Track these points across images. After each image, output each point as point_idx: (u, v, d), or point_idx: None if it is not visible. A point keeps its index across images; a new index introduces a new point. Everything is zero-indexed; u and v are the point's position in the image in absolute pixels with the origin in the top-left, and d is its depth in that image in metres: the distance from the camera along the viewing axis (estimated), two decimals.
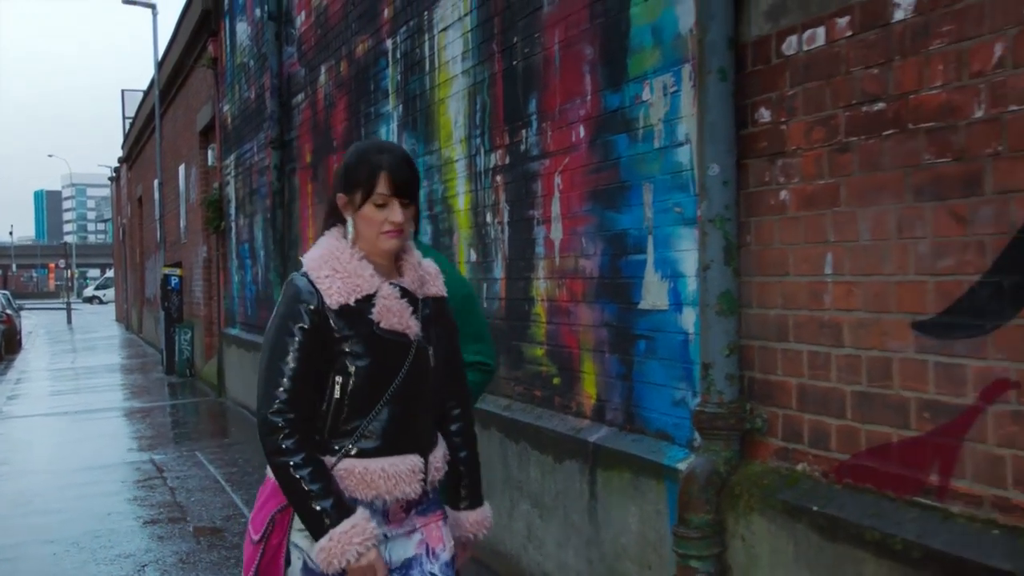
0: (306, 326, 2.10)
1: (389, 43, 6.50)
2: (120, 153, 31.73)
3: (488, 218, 5.06)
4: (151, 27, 19.16)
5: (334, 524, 2.03)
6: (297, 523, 2.15)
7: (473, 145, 5.22)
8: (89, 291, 67.49)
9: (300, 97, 8.88)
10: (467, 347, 2.62)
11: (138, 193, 26.29)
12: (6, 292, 29.43)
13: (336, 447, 2.13)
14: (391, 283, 2.19)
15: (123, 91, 29.81)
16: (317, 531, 2.05)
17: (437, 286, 2.31)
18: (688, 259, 3.45)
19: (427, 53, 5.85)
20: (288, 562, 2.19)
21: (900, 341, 2.59)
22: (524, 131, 4.65)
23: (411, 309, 2.19)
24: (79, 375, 16.36)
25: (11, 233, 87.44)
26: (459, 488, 2.36)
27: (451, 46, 5.49)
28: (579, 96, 4.16)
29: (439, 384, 2.27)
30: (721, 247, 3.14)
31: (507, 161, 4.84)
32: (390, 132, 6.50)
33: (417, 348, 2.18)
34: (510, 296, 4.86)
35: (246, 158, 11.37)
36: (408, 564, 2.20)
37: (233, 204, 12.29)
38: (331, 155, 7.89)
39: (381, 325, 2.13)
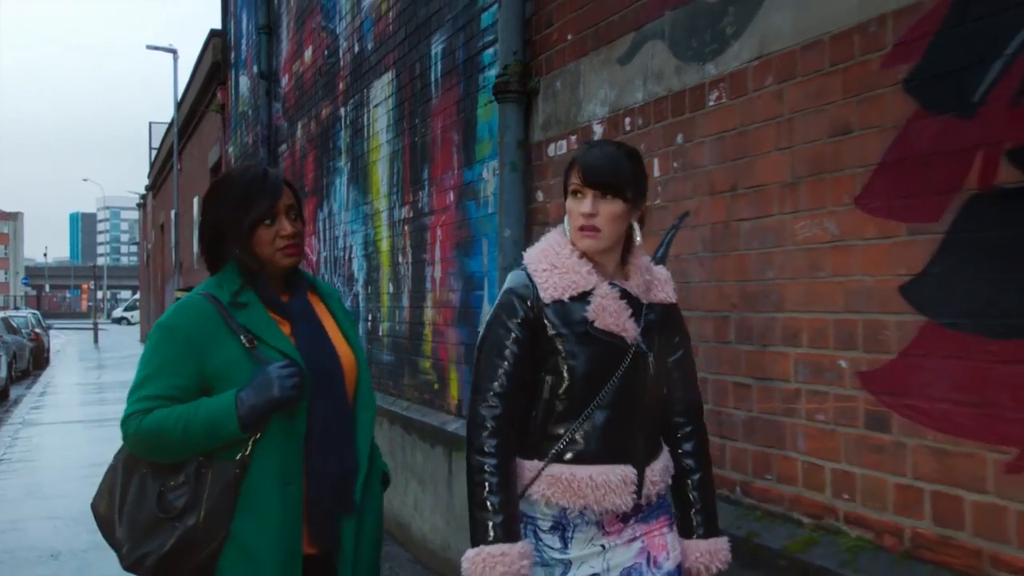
0: (520, 320, 2.06)
1: (343, 111, 7.89)
2: (147, 181, 33.51)
3: (400, 259, 6.42)
4: (172, 69, 20.79)
5: (491, 541, 1.97)
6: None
7: (392, 200, 6.59)
8: (118, 312, 69.63)
9: (283, 147, 10.30)
10: None
11: (161, 220, 27.97)
12: (36, 311, 31.16)
13: (545, 451, 2.06)
14: (612, 283, 2.11)
15: (150, 123, 31.57)
16: (476, 539, 2.00)
17: (666, 292, 2.20)
18: None
19: (366, 122, 7.25)
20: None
21: None
22: (421, 192, 6.01)
23: (630, 312, 2.09)
24: (98, 389, 17.85)
25: (45, 254, 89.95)
26: (690, 515, 2.19)
27: (380, 119, 6.88)
28: (450, 169, 5.51)
29: (660, 395, 2.17)
30: None
31: (411, 215, 6.19)
32: (342, 184, 7.89)
33: (635, 353, 2.08)
34: (412, 320, 6.19)
35: None
36: (627, 573, 2.09)
37: None
38: (303, 200, 9.28)
39: (596, 324, 2.05)
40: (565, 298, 2.05)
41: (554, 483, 2.02)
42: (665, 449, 2.19)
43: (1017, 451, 2.12)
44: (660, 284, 2.19)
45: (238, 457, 2.13)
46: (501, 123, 4.53)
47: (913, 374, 2.38)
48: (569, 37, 4.11)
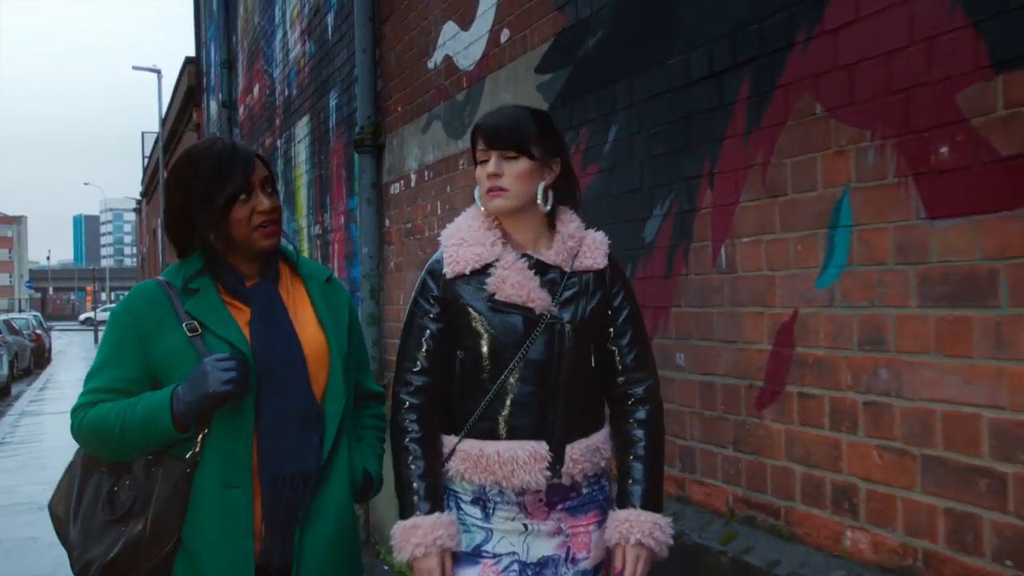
0: (432, 297, 2.04)
1: (279, 142, 9.46)
2: (140, 188, 35.10)
3: None
4: (156, 88, 22.38)
5: (411, 513, 1.98)
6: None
7: (309, 219, 8.16)
8: None
9: None
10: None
11: (153, 225, 29.57)
12: (38, 314, 32.78)
13: (460, 426, 2.02)
14: (524, 253, 2.03)
15: (143, 133, 33.12)
16: (400, 514, 2.02)
17: (594, 258, 2.07)
18: None
19: (293, 154, 8.81)
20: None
21: None
22: (325, 214, 7.58)
23: (539, 281, 2.00)
24: None
25: (48, 257, 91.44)
26: (626, 486, 2.06)
27: (301, 153, 8.45)
28: (341, 198, 7.08)
29: (585, 367, 2.05)
30: (368, 290, 6.03)
31: (320, 231, 7.77)
32: None
33: (547, 324, 1.99)
34: None
35: None
36: (543, 563, 2.03)
37: None
38: None
39: (496, 296, 1.98)
40: (467, 271, 2.01)
41: (466, 459, 2.01)
42: (604, 428, 2.12)
43: None
44: (589, 250, 2.07)
45: (188, 456, 1.95)
46: (360, 168, 6.09)
47: None
48: (400, 109, 5.67)
